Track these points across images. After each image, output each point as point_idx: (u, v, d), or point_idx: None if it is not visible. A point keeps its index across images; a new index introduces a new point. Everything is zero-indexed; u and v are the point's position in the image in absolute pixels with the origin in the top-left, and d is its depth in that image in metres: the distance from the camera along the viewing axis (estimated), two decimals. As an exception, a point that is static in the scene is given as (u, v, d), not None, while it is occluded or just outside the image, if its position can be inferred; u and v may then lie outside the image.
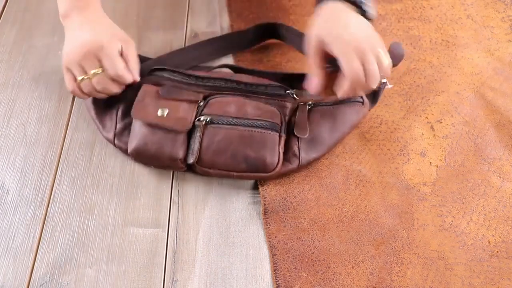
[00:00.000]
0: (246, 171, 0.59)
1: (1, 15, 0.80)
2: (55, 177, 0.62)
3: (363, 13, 0.58)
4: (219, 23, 0.80)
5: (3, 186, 0.61)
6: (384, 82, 0.58)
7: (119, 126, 0.62)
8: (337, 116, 0.63)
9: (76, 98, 0.70)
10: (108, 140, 0.63)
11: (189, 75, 0.63)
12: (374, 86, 0.55)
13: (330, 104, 0.63)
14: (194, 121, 0.59)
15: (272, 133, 0.59)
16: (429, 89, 0.71)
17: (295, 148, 0.60)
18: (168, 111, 0.59)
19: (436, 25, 0.80)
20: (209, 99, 0.61)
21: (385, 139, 0.66)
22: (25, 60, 0.74)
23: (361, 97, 0.64)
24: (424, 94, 0.71)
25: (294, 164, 0.60)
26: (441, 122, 0.68)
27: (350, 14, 0.56)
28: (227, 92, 0.63)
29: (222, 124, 0.59)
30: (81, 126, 0.67)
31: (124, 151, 0.62)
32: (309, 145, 0.61)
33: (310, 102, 0.62)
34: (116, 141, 0.62)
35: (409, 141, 0.66)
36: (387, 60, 0.55)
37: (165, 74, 0.63)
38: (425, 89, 0.71)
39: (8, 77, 0.72)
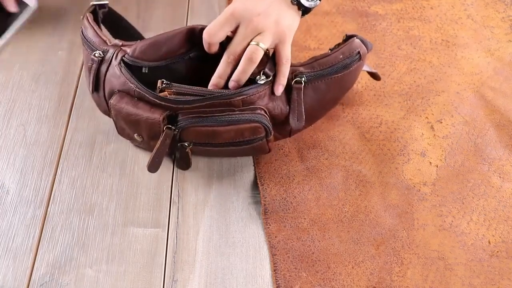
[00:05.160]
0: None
1: (1, 15, 0.80)
2: (55, 177, 0.62)
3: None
4: (219, 23, 0.80)
5: (3, 186, 0.61)
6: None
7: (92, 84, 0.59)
8: (335, 85, 0.59)
9: (76, 98, 0.70)
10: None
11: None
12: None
13: (327, 74, 0.58)
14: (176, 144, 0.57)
15: (259, 142, 0.58)
16: (429, 89, 0.71)
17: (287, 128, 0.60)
18: (142, 139, 0.58)
19: (436, 25, 0.80)
20: (182, 127, 0.54)
21: (385, 139, 0.66)
22: (25, 60, 0.74)
23: (358, 52, 0.58)
24: (424, 94, 0.71)
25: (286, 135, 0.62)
26: (441, 122, 0.68)
27: None
28: (193, 111, 0.54)
29: (206, 147, 0.57)
30: (81, 126, 0.67)
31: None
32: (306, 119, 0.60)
33: (303, 78, 0.57)
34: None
35: (409, 141, 0.66)
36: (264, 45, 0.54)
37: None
38: (425, 89, 0.71)
39: (8, 77, 0.72)
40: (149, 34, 0.77)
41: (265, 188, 0.61)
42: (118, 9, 0.67)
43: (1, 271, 0.55)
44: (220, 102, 0.54)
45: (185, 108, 0.54)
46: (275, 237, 0.58)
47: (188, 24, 0.80)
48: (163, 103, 0.54)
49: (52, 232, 0.58)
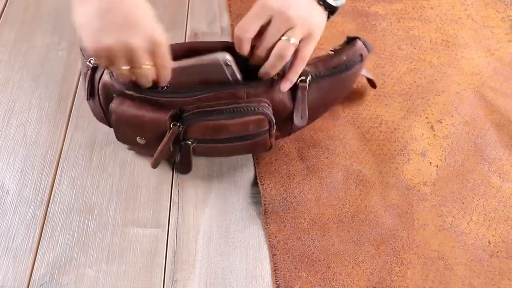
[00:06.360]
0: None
1: (1, 15, 0.80)
2: (55, 177, 0.62)
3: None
4: (219, 23, 0.80)
5: (3, 186, 0.61)
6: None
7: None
8: (337, 85, 0.61)
9: (76, 98, 0.70)
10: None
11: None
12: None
13: (330, 74, 0.59)
14: (179, 143, 0.56)
15: (263, 137, 0.58)
16: (429, 89, 0.71)
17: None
18: (146, 141, 0.57)
19: (436, 25, 0.80)
20: (188, 123, 0.54)
21: (385, 139, 0.66)
22: (25, 60, 0.74)
23: (361, 54, 0.60)
24: (424, 94, 0.71)
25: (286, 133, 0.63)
26: (441, 122, 0.68)
27: None
28: (199, 110, 0.55)
29: (210, 143, 0.57)
30: (81, 126, 0.67)
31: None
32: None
33: (308, 77, 0.58)
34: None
35: (409, 141, 0.66)
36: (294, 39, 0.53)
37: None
38: (425, 89, 0.71)
39: (8, 77, 0.72)
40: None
41: (265, 188, 0.61)
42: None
43: (1, 271, 0.55)
44: (225, 93, 0.54)
45: (190, 102, 0.54)
46: (275, 237, 0.58)
47: (188, 24, 0.80)
48: (168, 98, 0.53)
49: (52, 232, 0.58)
